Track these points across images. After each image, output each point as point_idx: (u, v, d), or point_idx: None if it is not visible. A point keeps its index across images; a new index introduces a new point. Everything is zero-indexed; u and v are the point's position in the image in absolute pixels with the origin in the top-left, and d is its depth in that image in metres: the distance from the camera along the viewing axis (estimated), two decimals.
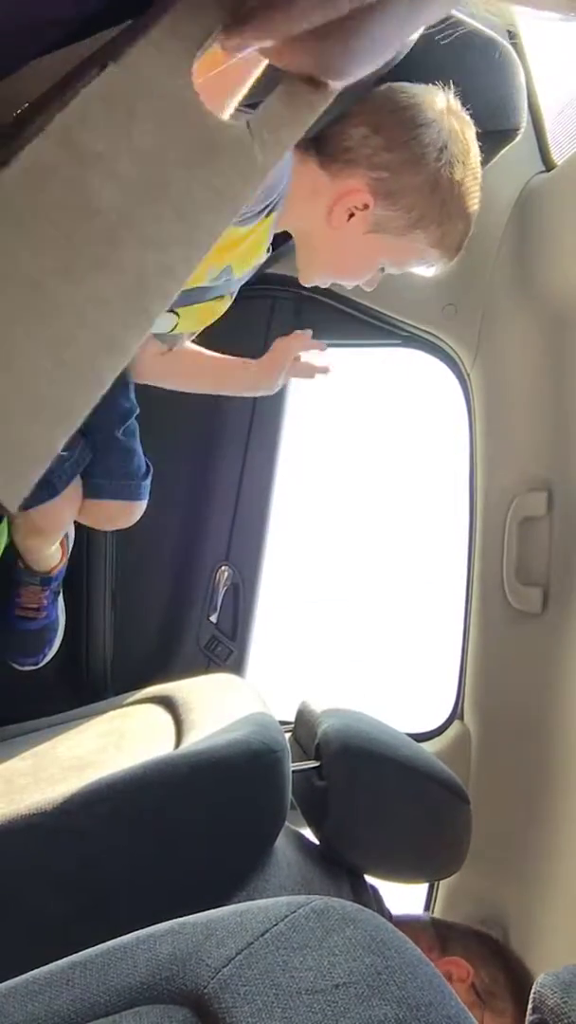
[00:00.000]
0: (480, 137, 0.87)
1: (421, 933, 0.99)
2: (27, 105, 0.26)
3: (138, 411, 1.10)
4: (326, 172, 0.83)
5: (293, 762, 0.87)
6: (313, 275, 0.91)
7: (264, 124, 0.29)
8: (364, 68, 0.29)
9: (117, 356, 0.24)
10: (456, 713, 1.35)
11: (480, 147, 0.87)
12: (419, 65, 0.78)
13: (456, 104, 0.83)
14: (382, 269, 0.91)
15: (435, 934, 1.00)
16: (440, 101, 0.82)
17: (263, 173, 0.29)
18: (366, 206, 0.82)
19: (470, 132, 0.84)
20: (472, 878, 1.13)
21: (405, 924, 1.02)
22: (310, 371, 1.08)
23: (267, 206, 0.77)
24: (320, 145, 0.82)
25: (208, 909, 0.48)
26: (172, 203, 0.26)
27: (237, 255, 0.83)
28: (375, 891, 0.99)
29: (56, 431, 0.22)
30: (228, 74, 0.32)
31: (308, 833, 1.03)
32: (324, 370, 1.08)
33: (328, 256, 0.89)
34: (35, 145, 0.23)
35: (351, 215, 0.82)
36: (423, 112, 0.81)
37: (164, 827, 0.77)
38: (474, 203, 0.85)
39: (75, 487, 1.08)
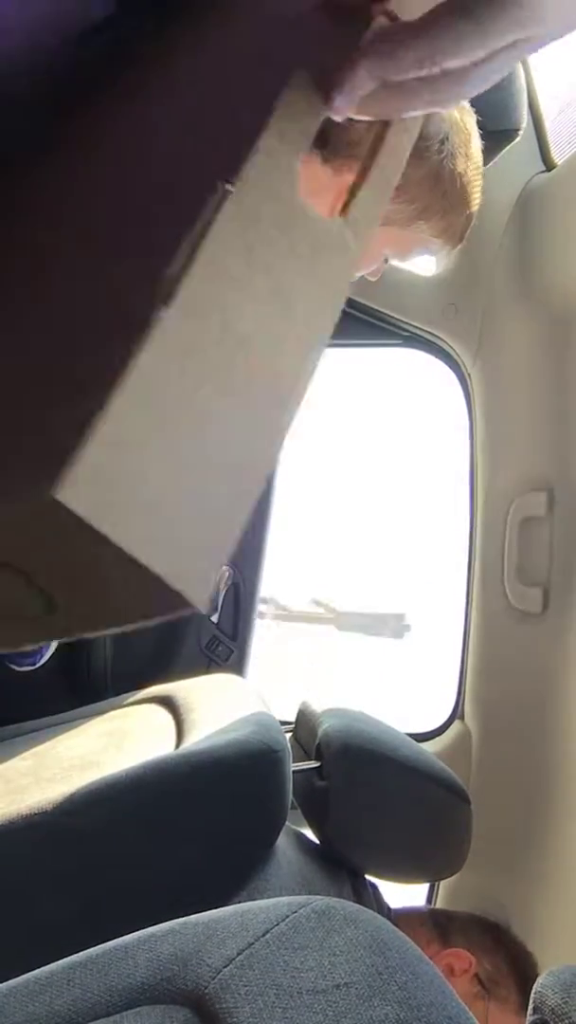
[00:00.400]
0: (480, 137, 0.87)
1: (420, 927, 0.99)
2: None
3: None
4: (329, 166, 0.82)
5: (294, 762, 0.87)
6: None
7: (354, 209, 0.30)
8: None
9: (271, 453, 0.25)
10: (456, 713, 1.35)
11: (480, 147, 0.87)
12: None
13: None
14: (386, 260, 0.90)
15: (435, 925, 1.00)
16: None
17: (358, 256, 0.30)
18: None
19: (471, 121, 0.84)
20: (473, 877, 1.13)
21: (404, 917, 1.02)
22: None
23: None
24: (323, 140, 0.82)
25: (209, 909, 0.48)
26: (294, 307, 0.27)
27: None
28: (375, 889, 0.99)
29: (230, 531, 0.23)
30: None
31: (309, 832, 1.03)
32: None
33: None
34: (187, 282, 0.23)
35: None
36: None
37: (164, 827, 0.77)
38: (476, 193, 0.85)
39: None
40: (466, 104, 0.83)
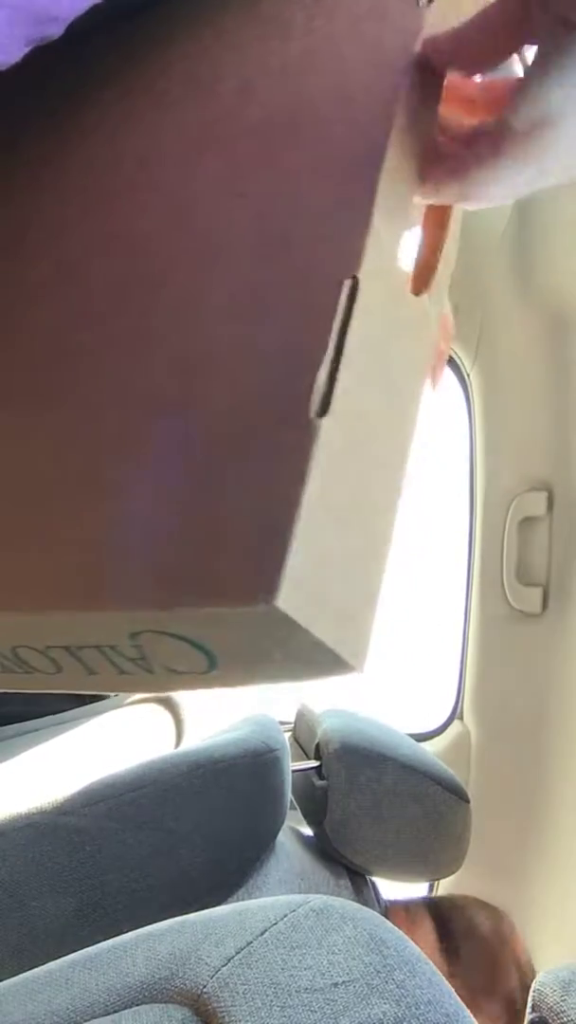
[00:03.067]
0: None
1: (420, 921, 0.99)
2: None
3: None
4: None
5: (293, 762, 0.87)
6: None
7: (434, 285, 0.31)
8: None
9: (393, 519, 0.28)
10: (456, 713, 1.35)
11: None
12: None
13: None
14: None
15: (435, 920, 1.00)
16: None
17: (436, 330, 0.32)
18: None
19: None
20: (471, 877, 1.13)
21: (403, 909, 1.01)
22: None
23: None
24: None
25: (208, 908, 0.48)
26: (400, 386, 0.29)
27: None
28: (374, 886, 0.99)
29: (377, 603, 0.27)
30: None
31: (308, 831, 1.03)
32: None
33: None
34: (337, 390, 0.25)
35: None
36: None
37: (164, 826, 0.77)
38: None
39: None
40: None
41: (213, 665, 0.27)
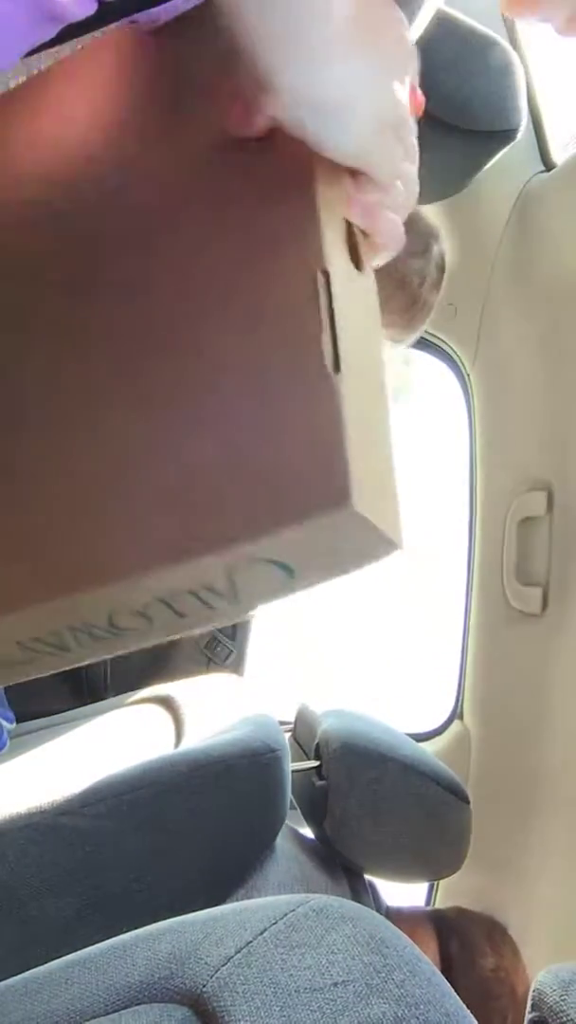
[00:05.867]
0: (480, 137, 0.87)
1: (419, 927, 0.99)
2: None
3: None
4: None
5: (293, 762, 0.87)
6: None
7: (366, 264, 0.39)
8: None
9: (390, 428, 0.36)
10: (456, 713, 1.35)
11: (480, 148, 0.88)
12: (419, 66, 0.78)
13: (436, 226, 0.99)
14: None
15: (434, 925, 1.00)
16: (426, 222, 0.96)
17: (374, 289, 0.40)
18: None
19: (442, 249, 0.98)
20: (471, 878, 1.13)
21: (403, 916, 1.01)
22: None
23: None
24: None
25: (207, 908, 0.48)
26: (370, 336, 0.37)
27: None
28: (373, 888, 0.99)
29: (396, 486, 0.35)
30: None
31: (308, 832, 1.03)
32: None
33: None
34: (341, 351, 0.32)
35: None
36: (416, 241, 0.94)
37: (164, 826, 0.77)
38: (430, 314, 1.00)
39: None
40: (443, 242, 0.98)
41: (291, 575, 0.33)
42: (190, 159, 0.39)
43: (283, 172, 0.36)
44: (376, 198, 0.38)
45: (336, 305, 0.33)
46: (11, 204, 0.42)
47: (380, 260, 0.41)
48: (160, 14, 0.42)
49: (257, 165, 0.37)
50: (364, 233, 0.38)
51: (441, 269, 0.98)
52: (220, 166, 0.38)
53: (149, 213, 0.39)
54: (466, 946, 0.98)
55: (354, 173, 0.37)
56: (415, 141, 0.39)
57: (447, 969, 0.94)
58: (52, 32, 0.36)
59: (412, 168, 0.39)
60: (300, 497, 0.30)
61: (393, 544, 0.33)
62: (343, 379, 0.31)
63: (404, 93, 0.38)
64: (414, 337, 1.02)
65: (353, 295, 0.35)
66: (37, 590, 0.35)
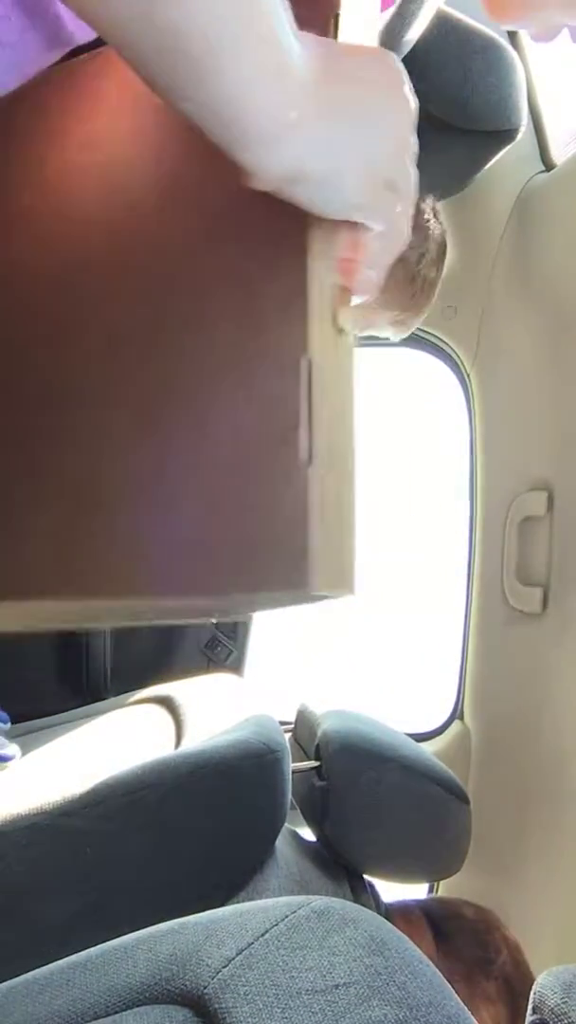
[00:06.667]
0: (480, 137, 0.87)
1: (416, 924, 0.99)
2: None
3: None
4: None
5: (293, 762, 0.87)
6: None
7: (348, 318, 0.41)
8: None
9: (355, 495, 0.39)
10: (456, 713, 1.35)
11: (480, 148, 0.88)
12: (419, 66, 0.78)
13: (436, 205, 0.98)
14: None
15: (430, 921, 1.00)
16: (425, 202, 0.95)
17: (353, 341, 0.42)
18: None
19: (443, 228, 0.98)
20: (471, 878, 1.13)
21: (400, 912, 1.01)
22: None
23: None
24: None
25: (208, 909, 0.48)
26: (346, 408, 0.39)
27: None
28: (373, 889, 0.99)
29: (354, 549, 0.38)
30: None
31: (306, 833, 1.03)
32: None
33: None
34: (316, 443, 0.35)
35: None
36: (415, 218, 0.92)
37: (164, 827, 0.77)
38: (432, 296, 0.99)
39: None
40: (443, 222, 0.97)
41: (261, 607, 0.40)
42: (199, 214, 0.40)
43: (278, 234, 0.37)
44: (370, 248, 0.38)
45: (315, 393, 0.35)
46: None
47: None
48: None
49: (255, 224, 0.37)
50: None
51: (441, 246, 0.97)
52: (224, 226, 0.39)
53: (153, 272, 0.41)
54: (452, 915, 0.99)
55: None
56: (412, 188, 0.38)
57: (442, 943, 0.95)
58: (59, 55, 0.37)
59: (407, 215, 0.39)
60: (267, 574, 0.35)
61: (347, 595, 0.38)
62: (314, 469, 0.35)
63: (400, 141, 0.35)
64: (419, 319, 1.00)
65: (334, 366, 0.37)
66: (51, 585, 0.42)
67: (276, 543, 0.35)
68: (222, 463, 0.37)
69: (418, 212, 0.92)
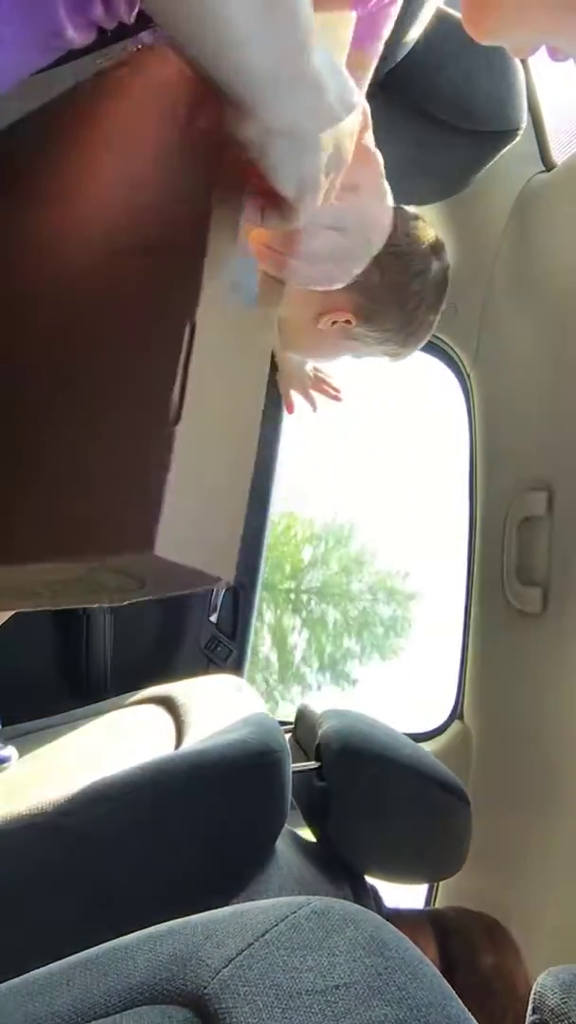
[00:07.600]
0: (480, 137, 0.87)
1: (419, 928, 0.98)
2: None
3: None
4: None
5: (293, 763, 0.87)
6: (291, 353, 1.15)
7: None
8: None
9: (248, 476, 0.40)
10: (456, 713, 1.35)
11: (480, 148, 0.88)
12: (420, 66, 0.78)
13: (440, 242, 1.02)
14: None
15: (433, 927, 0.99)
16: (429, 240, 1.00)
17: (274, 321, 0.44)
18: (348, 322, 1.01)
19: (444, 265, 1.02)
20: (472, 878, 1.13)
21: (403, 918, 1.01)
22: (314, 403, 1.21)
23: None
24: None
25: (209, 910, 0.48)
26: (247, 379, 0.41)
27: None
28: (374, 891, 0.99)
29: (239, 522, 0.39)
30: None
31: (306, 834, 1.03)
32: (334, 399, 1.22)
33: (308, 346, 1.10)
34: (186, 405, 0.36)
35: (334, 323, 1.01)
36: (417, 261, 0.99)
37: (164, 827, 0.77)
38: (429, 332, 1.05)
39: None
40: (444, 251, 1.02)
41: (143, 584, 0.39)
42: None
43: (188, 209, 0.39)
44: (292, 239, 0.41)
45: (195, 356, 0.36)
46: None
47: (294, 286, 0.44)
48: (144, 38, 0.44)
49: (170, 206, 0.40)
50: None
51: (441, 287, 1.02)
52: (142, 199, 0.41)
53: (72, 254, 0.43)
54: (466, 945, 0.97)
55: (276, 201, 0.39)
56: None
57: (447, 969, 0.94)
58: (54, 58, 0.39)
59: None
60: (118, 536, 0.35)
61: (212, 578, 0.37)
62: (181, 429, 0.35)
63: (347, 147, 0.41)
64: (415, 351, 1.05)
65: (230, 337, 0.39)
66: None
67: (131, 504, 0.35)
68: (98, 425, 0.38)
69: (416, 254, 0.98)
